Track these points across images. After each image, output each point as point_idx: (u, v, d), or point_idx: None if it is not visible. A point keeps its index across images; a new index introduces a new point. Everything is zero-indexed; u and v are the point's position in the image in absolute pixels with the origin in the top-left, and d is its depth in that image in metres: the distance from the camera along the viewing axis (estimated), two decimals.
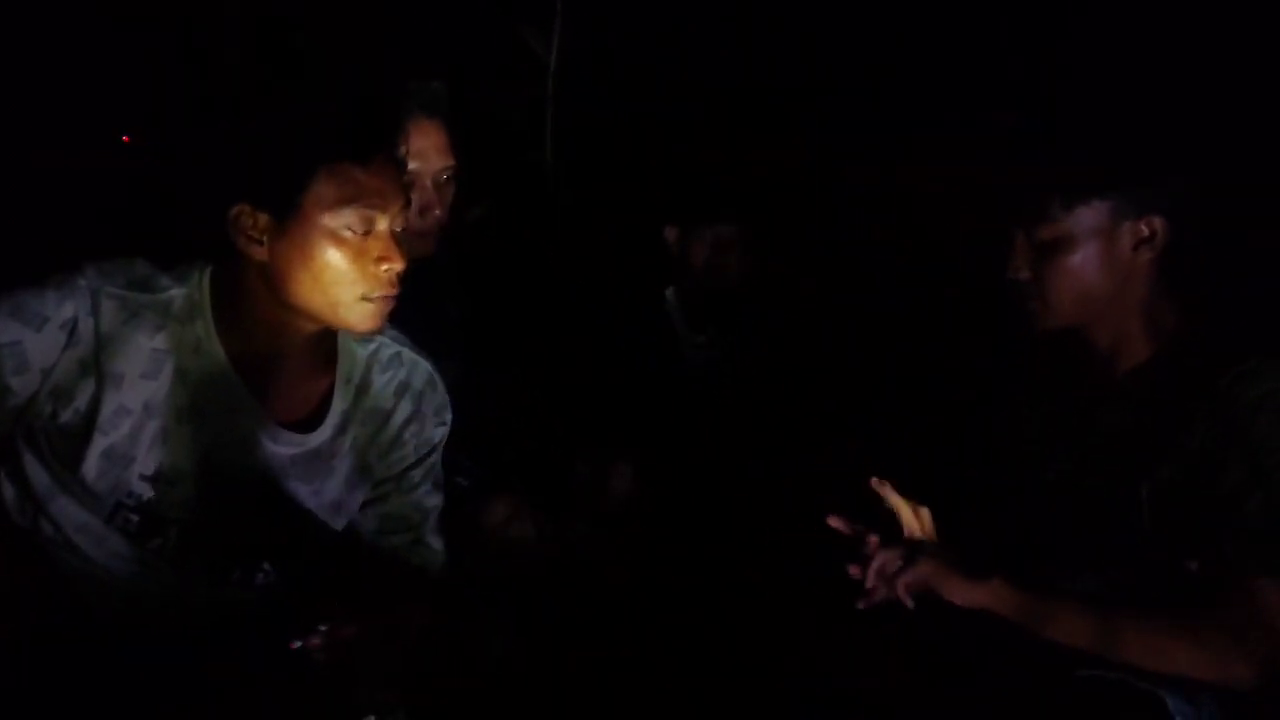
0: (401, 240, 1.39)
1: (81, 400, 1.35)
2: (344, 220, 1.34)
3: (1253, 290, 1.52)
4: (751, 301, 2.54)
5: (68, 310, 1.33)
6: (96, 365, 1.35)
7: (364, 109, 1.40)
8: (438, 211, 1.85)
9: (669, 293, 2.51)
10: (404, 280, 1.39)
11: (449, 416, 1.58)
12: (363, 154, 1.35)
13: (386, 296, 1.38)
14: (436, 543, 1.58)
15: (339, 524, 1.53)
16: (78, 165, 2.65)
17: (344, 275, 1.35)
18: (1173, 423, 1.38)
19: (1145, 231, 1.41)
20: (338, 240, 1.34)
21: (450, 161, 1.86)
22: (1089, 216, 1.40)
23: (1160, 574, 1.38)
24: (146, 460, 1.38)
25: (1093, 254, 1.41)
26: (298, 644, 1.27)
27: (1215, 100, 1.72)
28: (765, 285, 2.55)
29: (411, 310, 1.88)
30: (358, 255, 1.35)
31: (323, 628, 1.27)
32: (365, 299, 1.36)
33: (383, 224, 1.36)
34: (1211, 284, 1.46)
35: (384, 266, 1.36)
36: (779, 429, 2.22)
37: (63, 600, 1.40)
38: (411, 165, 1.77)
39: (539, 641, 1.81)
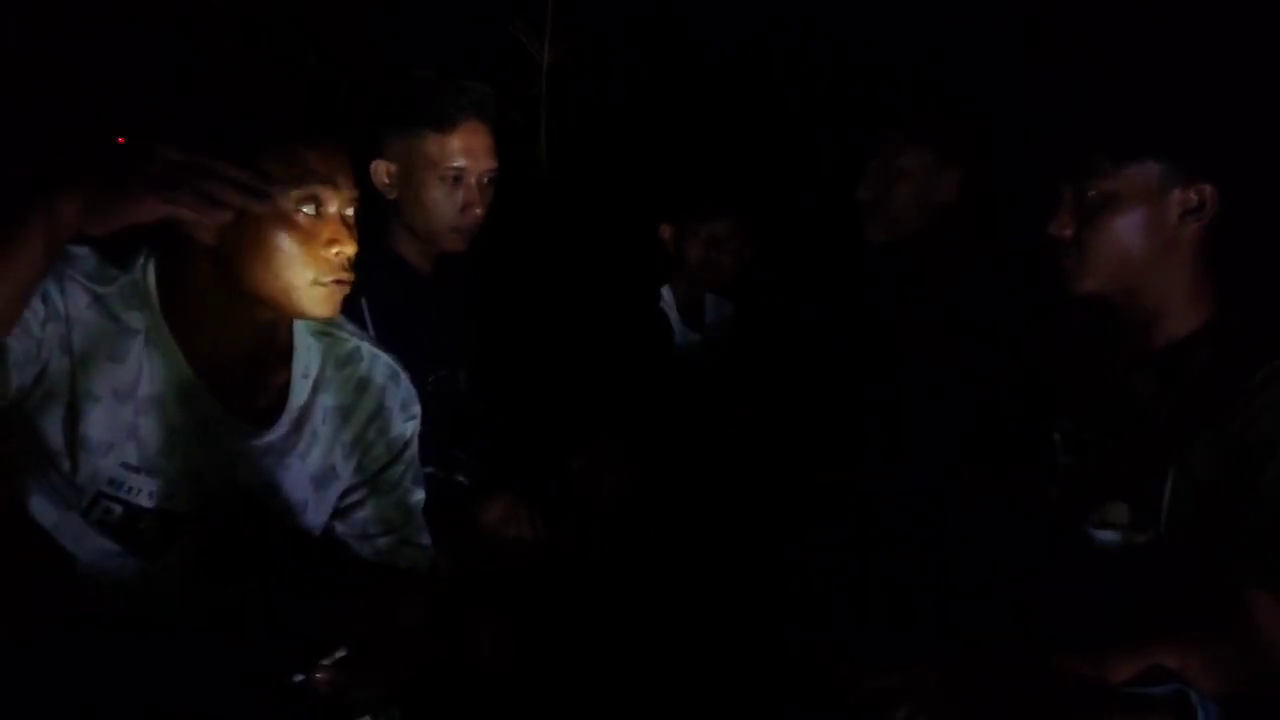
0: (352, 226, 1.39)
1: (60, 381, 1.33)
2: (292, 200, 1.33)
3: None
4: (746, 298, 2.55)
5: (44, 284, 1.30)
6: (69, 346, 1.33)
7: (312, 91, 1.39)
8: (479, 210, 1.92)
9: (664, 290, 2.50)
10: (425, 278, 1.37)
11: (417, 409, 1.56)
12: (310, 135, 1.36)
13: (339, 281, 1.37)
14: (423, 539, 1.56)
15: (313, 523, 1.50)
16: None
17: (294, 258, 1.34)
18: (1208, 410, 1.36)
19: (1194, 200, 1.39)
20: (287, 222, 1.34)
21: (495, 164, 1.93)
22: (1139, 177, 1.39)
23: (1167, 563, 1.37)
24: (127, 448, 1.37)
25: (1138, 217, 1.40)
26: (300, 678, 1.26)
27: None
28: (760, 281, 2.55)
29: (410, 309, 1.92)
30: (307, 238, 1.35)
31: (324, 661, 1.26)
32: (317, 283, 1.36)
33: (332, 206, 1.36)
34: (1259, 268, 1.44)
35: (334, 249, 1.35)
36: (775, 427, 2.22)
37: (64, 592, 1.39)
38: (460, 163, 1.89)
39: (535, 640, 1.80)
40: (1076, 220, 1.42)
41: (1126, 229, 1.40)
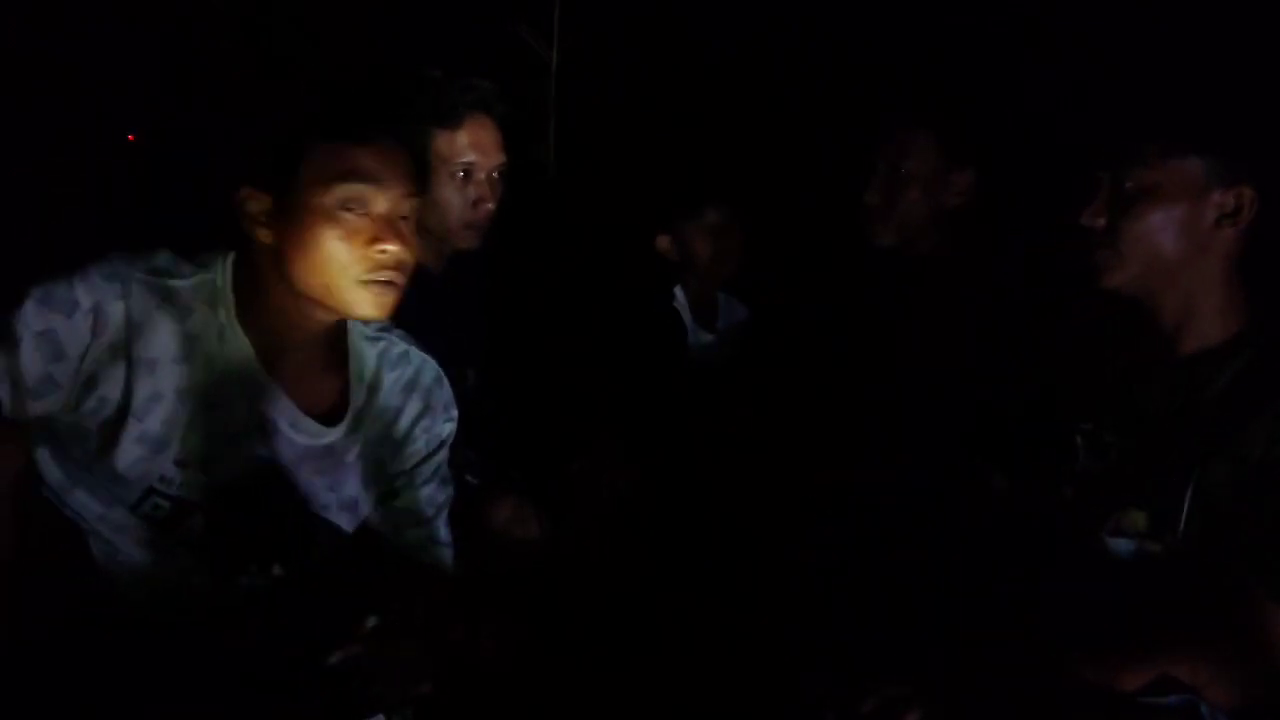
0: (405, 229, 1.39)
1: (112, 388, 1.35)
2: (336, 197, 1.35)
3: None
4: (758, 299, 2.55)
5: (95, 297, 1.34)
6: (127, 351, 1.35)
7: (358, 89, 1.41)
8: (490, 205, 1.93)
9: (677, 290, 2.51)
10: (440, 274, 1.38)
11: (456, 412, 1.61)
12: (357, 133, 1.36)
13: (386, 282, 1.38)
14: (447, 537, 1.61)
15: (356, 521, 1.54)
16: (81, 163, 2.64)
17: (336, 254, 1.36)
18: (1232, 425, 1.34)
19: (1232, 203, 1.37)
20: (331, 218, 1.35)
21: (504, 159, 1.95)
22: (1180, 172, 1.37)
23: (1181, 573, 1.36)
24: (179, 446, 1.39)
25: (1176, 213, 1.37)
26: (336, 657, 1.28)
27: None
28: (764, 281, 2.56)
29: (421, 310, 1.92)
30: (350, 234, 1.36)
31: (359, 631, 1.28)
32: (361, 282, 1.37)
33: (379, 205, 1.37)
34: None
35: (377, 247, 1.36)
36: (776, 427, 2.22)
37: (92, 585, 1.41)
38: (469, 158, 1.91)
39: (539, 639, 1.80)
40: (1111, 210, 1.40)
41: (1162, 223, 1.37)
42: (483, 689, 1.66)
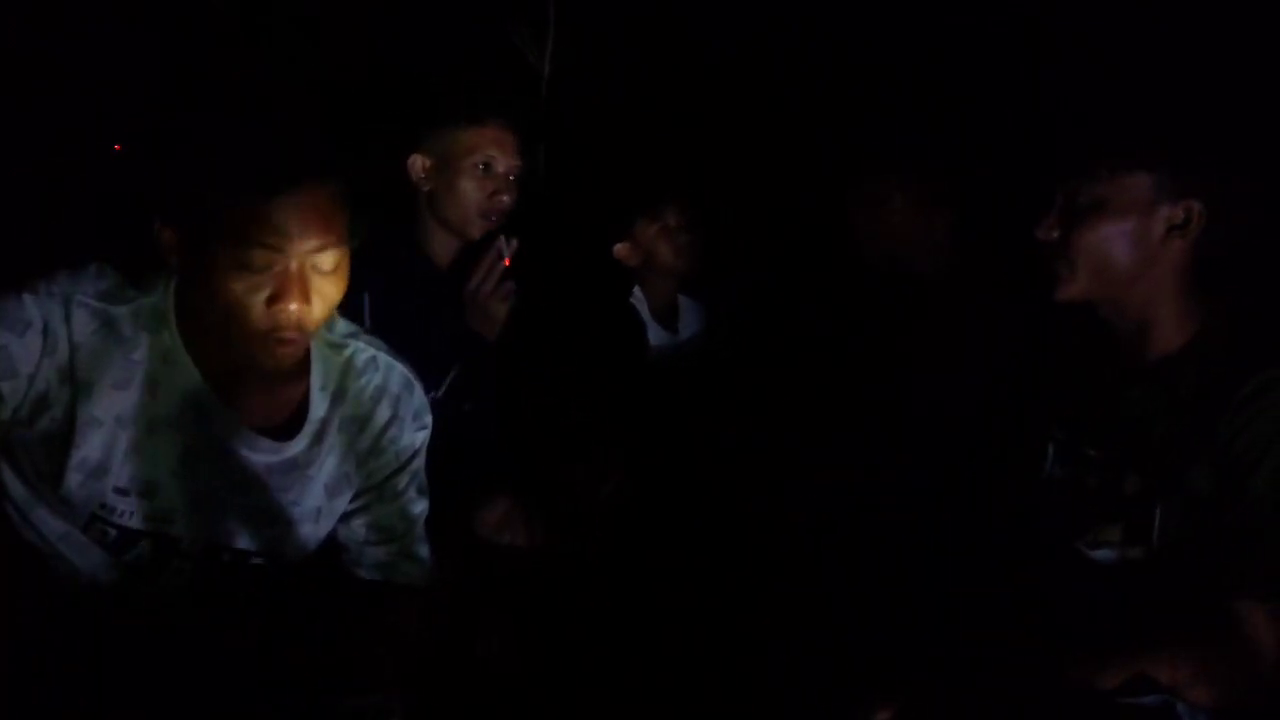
0: (315, 282, 1.30)
1: (58, 410, 1.33)
2: (240, 255, 1.26)
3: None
4: (720, 300, 2.55)
5: (45, 316, 1.30)
6: (72, 374, 1.32)
7: (286, 137, 1.32)
8: (506, 198, 2.07)
9: (636, 289, 2.52)
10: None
11: (429, 419, 1.55)
12: (267, 187, 1.26)
13: (287, 339, 1.31)
14: (423, 551, 1.56)
15: (321, 532, 1.50)
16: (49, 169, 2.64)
17: (235, 308, 1.28)
18: (1199, 428, 1.37)
19: (1180, 216, 1.41)
20: (232, 272, 1.27)
21: (519, 162, 2.10)
22: (1130, 186, 1.41)
23: (1160, 576, 1.37)
24: (120, 472, 1.36)
25: (1125, 226, 1.42)
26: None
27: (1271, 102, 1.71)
28: (751, 285, 2.56)
29: (416, 309, 1.93)
30: (251, 290, 1.27)
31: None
32: (260, 334, 1.30)
33: (283, 264, 1.27)
34: (1245, 283, 1.46)
35: (277, 306, 1.28)
36: (770, 431, 2.22)
37: (59, 602, 1.39)
38: (491, 152, 2.06)
39: (533, 643, 1.79)
40: (1064, 224, 1.44)
41: (1112, 235, 1.42)
42: (478, 693, 1.65)
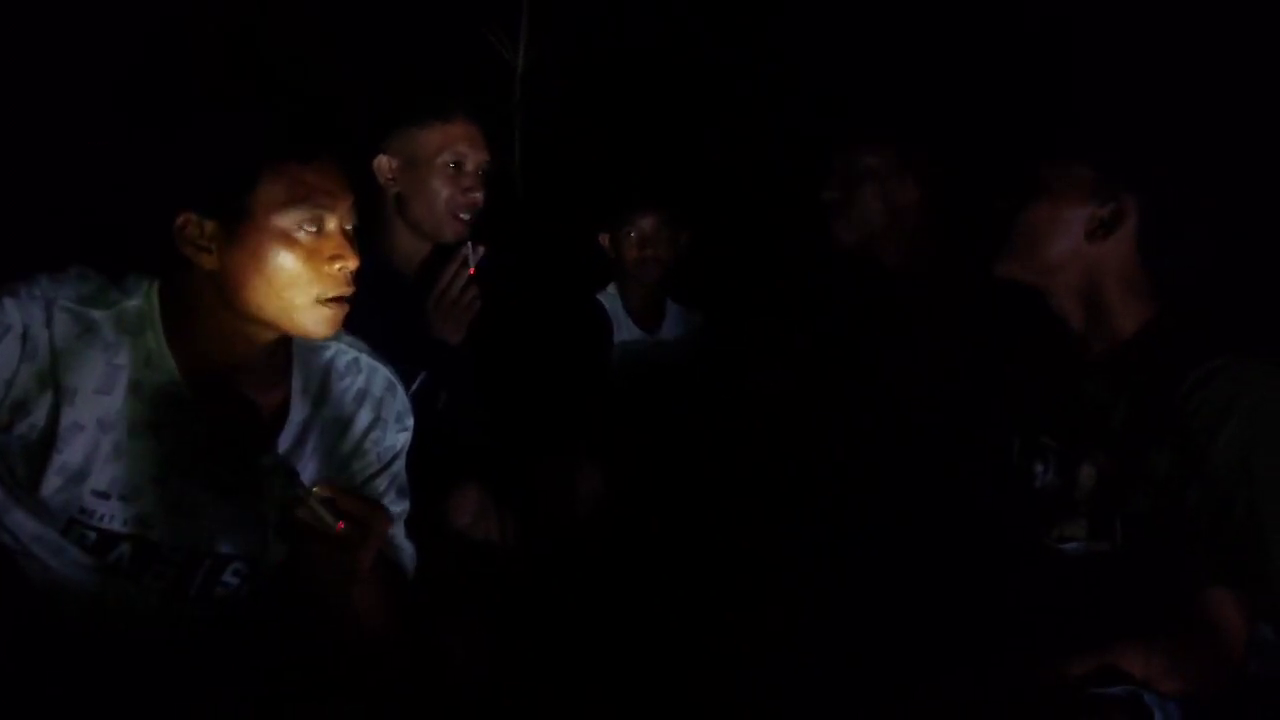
0: (353, 239, 1.39)
1: (39, 415, 1.33)
2: (293, 220, 1.34)
3: (1230, 286, 1.53)
4: (715, 304, 2.57)
5: (24, 319, 1.31)
6: (53, 378, 1.33)
7: (304, 109, 1.40)
8: (478, 195, 2.03)
9: (610, 286, 2.54)
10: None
11: (410, 422, 1.57)
12: (306, 153, 1.36)
13: (342, 298, 1.38)
14: (406, 548, 1.57)
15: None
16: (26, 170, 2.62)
17: (298, 277, 1.35)
18: (1153, 418, 1.39)
19: (1107, 214, 1.43)
20: (289, 241, 1.34)
21: (488, 156, 2.06)
22: (1071, 176, 1.44)
23: (1127, 567, 1.39)
24: (100, 476, 1.36)
25: (1057, 214, 1.45)
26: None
27: (1206, 99, 1.74)
28: (733, 287, 2.57)
29: (381, 317, 1.92)
30: (310, 255, 1.35)
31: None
32: (320, 301, 1.36)
33: (332, 222, 1.37)
34: (1189, 273, 1.48)
35: (337, 265, 1.36)
36: (752, 428, 2.23)
37: (32, 607, 1.39)
38: (461, 148, 2.02)
39: (508, 642, 1.80)
40: (1015, 199, 1.47)
41: (1044, 219, 1.45)
42: (451, 693, 1.66)
